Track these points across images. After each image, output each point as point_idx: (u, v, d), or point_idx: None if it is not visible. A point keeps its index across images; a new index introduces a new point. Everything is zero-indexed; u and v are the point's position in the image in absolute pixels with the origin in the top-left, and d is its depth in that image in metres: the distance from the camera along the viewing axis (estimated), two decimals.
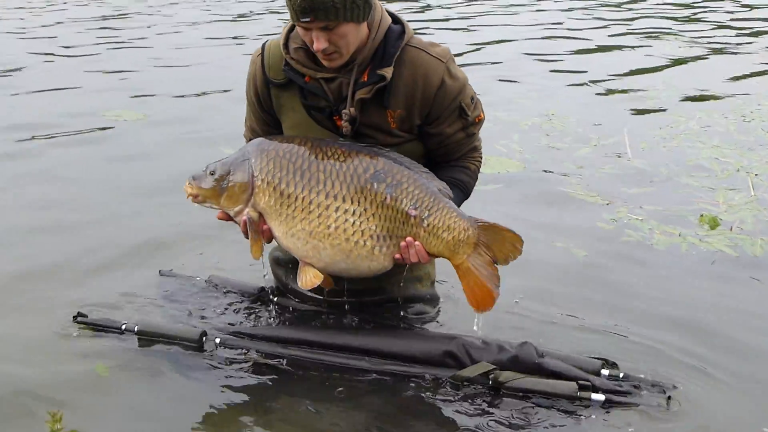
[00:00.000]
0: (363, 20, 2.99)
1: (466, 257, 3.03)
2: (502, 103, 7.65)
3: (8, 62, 9.75)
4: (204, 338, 3.36)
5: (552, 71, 9.26)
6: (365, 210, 2.99)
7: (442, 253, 3.05)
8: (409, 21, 3.25)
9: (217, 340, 3.36)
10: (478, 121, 3.24)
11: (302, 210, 3.00)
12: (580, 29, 11.51)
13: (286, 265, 3.61)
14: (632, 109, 7.59)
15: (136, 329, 3.44)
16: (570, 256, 4.46)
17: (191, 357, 3.34)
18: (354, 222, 2.99)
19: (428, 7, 14.22)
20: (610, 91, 8.30)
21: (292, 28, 3.18)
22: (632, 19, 12.61)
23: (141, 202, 5.22)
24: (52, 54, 10.43)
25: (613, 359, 3.34)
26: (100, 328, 3.51)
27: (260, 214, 3.06)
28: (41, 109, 7.66)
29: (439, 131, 3.18)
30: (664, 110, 7.57)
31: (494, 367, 3.10)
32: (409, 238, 3.00)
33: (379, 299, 3.48)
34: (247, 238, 3.09)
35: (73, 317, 3.57)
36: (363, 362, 3.23)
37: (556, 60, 9.62)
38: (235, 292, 3.78)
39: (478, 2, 13.98)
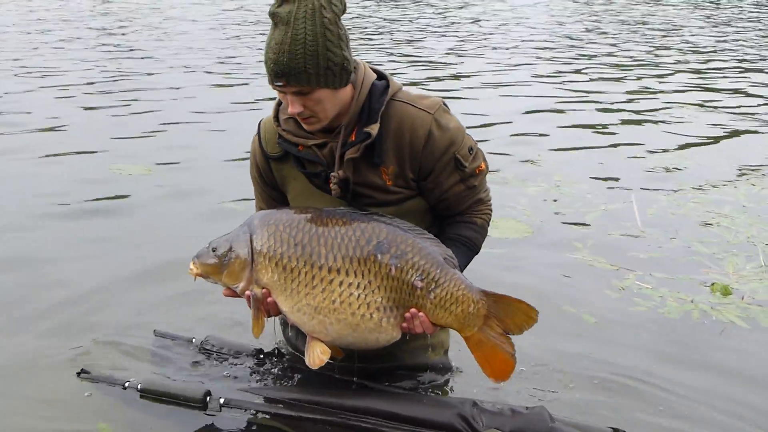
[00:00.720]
0: (340, 86, 2.96)
1: (477, 329, 2.96)
2: (509, 165, 7.67)
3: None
4: (208, 397, 3.31)
5: (561, 134, 9.29)
6: (369, 283, 2.92)
7: (451, 325, 2.98)
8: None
9: (221, 400, 3.30)
10: (479, 173, 3.16)
11: (305, 285, 2.95)
12: (588, 92, 11.57)
13: (297, 328, 3.57)
14: (641, 175, 7.59)
15: (139, 387, 3.39)
16: (580, 322, 4.42)
17: (194, 417, 3.29)
18: (359, 295, 2.93)
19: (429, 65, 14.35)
20: (618, 157, 8.31)
21: (280, 102, 3.20)
22: (638, 92, 12.69)
23: (135, 260, 5.18)
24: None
25: (624, 428, 3.29)
26: (103, 383, 3.48)
27: (264, 289, 3.01)
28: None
29: (435, 185, 3.13)
30: (672, 177, 7.56)
31: None
32: (413, 310, 2.92)
33: (389, 366, 3.45)
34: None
35: (77, 373, 3.55)
36: (370, 424, 3.16)
37: (565, 125, 9.64)
38: (234, 354, 3.71)
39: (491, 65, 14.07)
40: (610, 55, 14.98)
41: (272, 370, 3.57)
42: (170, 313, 4.34)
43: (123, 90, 10.95)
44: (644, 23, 19.83)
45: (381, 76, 3.17)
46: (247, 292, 3.01)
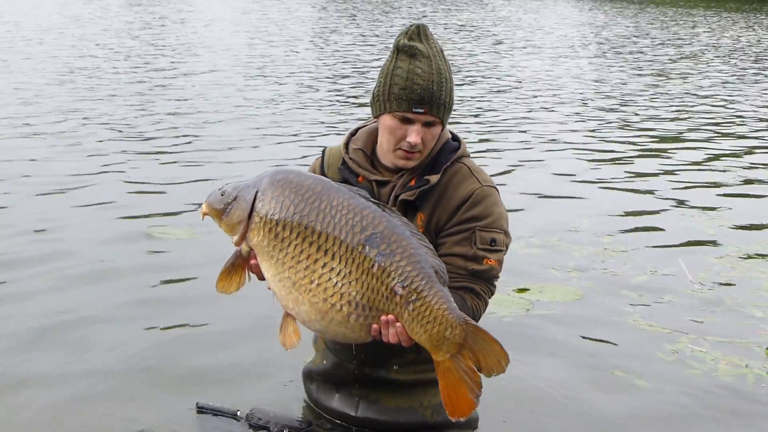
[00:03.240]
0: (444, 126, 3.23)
1: (449, 356, 2.81)
2: (555, 231, 7.69)
3: None
4: None
5: (603, 196, 9.29)
6: (349, 273, 2.81)
7: (423, 343, 2.83)
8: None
9: None
10: (486, 265, 3.17)
11: (292, 257, 2.88)
12: (625, 153, 11.55)
13: (318, 380, 3.69)
14: (688, 241, 7.55)
15: None
16: (632, 388, 4.38)
17: None
18: (336, 283, 2.83)
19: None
20: (664, 218, 8.28)
21: (354, 132, 3.41)
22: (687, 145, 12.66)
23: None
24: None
25: None
26: None
27: (251, 251, 2.99)
28: None
29: (442, 243, 3.20)
30: (721, 240, 7.51)
31: None
32: (390, 316, 2.83)
33: (411, 424, 3.48)
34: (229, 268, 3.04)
35: None
36: None
37: (608, 186, 9.64)
38: (280, 427, 3.67)
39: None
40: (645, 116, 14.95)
41: None
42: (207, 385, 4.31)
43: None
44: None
45: (455, 138, 3.39)
46: (237, 247, 3.04)
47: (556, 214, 8.33)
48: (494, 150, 11.18)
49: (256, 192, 2.99)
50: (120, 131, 11.12)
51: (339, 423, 3.63)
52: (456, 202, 3.21)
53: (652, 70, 18.52)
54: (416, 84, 3.11)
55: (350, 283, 2.82)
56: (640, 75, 18.47)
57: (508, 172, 9.79)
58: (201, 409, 3.86)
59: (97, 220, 7.23)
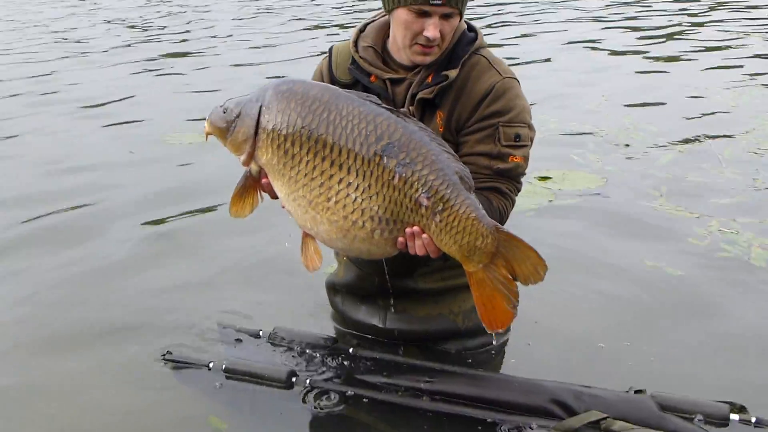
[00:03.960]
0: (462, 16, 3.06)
1: (481, 266, 2.66)
2: (574, 112, 7.51)
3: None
4: (293, 378, 3.28)
5: (625, 71, 9.06)
6: (369, 187, 2.64)
7: (453, 254, 2.69)
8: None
9: (308, 381, 3.26)
10: (511, 162, 3.02)
11: (305, 175, 2.70)
12: (656, 35, 11.26)
13: (342, 292, 3.62)
14: (713, 114, 7.35)
15: (224, 367, 3.39)
16: (664, 277, 4.27)
17: (296, 408, 3.23)
18: (355, 198, 2.66)
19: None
20: (686, 95, 8.08)
21: (363, 29, 3.22)
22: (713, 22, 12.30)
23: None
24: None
25: (740, 401, 3.05)
26: (187, 366, 3.49)
27: (261, 169, 2.82)
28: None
29: (464, 142, 3.06)
30: (747, 115, 7.31)
31: (606, 415, 2.88)
32: (416, 228, 2.68)
33: (441, 331, 3.43)
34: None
35: (162, 356, 3.56)
36: (460, 409, 3.08)
37: (633, 65, 9.38)
38: (306, 345, 3.57)
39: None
40: None
41: (344, 360, 3.45)
42: (225, 303, 4.20)
43: None
44: None
45: (471, 28, 3.20)
46: (246, 166, 2.87)
47: (575, 94, 8.15)
48: (508, 38, 10.92)
49: (260, 106, 2.80)
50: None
51: (367, 336, 3.56)
52: (477, 97, 3.04)
53: None
54: None
55: (371, 197, 2.66)
56: None
57: (522, 57, 9.54)
58: (223, 328, 3.79)
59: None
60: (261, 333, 3.69)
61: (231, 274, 4.51)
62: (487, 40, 3.25)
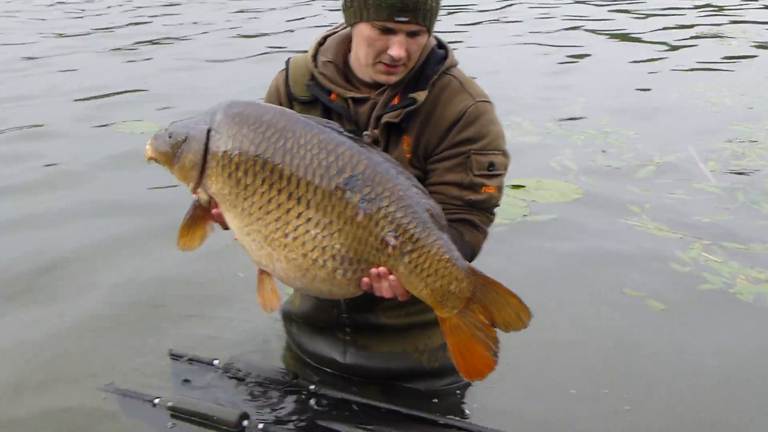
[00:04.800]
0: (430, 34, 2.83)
1: (455, 312, 2.47)
2: (552, 112, 7.26)
3: None
4: (245, 421, 3.00)
5: (602, 72, 8.85)
6: (330, 223, 2.44)
7: (424, 298, 2.49)
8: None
9: (261, 426, 2.98)
10: (484, 193, 2.80)
11: (260, 208, 2.50)
12: (631, 32, 11.07)
13: (299, 322, 3.40)
14: (697, 120, 7.15)
15: (169, 405, 3.10)
16: (646, 310, 4.03)
17: None
18: (315, 235, 2.46)
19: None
20: (668, 99, 7.87)
21: (322, 42, 2.99)
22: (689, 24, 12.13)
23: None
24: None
25: None
26: (130, 398, 3.21)
27: (211, 199, 2.59)
28: None
29: (432, 170, 2.83)
30: (730, 120, 7.12)
31: None
32: (382, 268, 2.48)
33: (405, 370, 3.21)
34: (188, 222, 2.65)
35: (104, 387, 3.29)
36: None
37: (607, 68, 9.15)
38: (264, 380, 3.29)
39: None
40: None
41: (304, 399, 3.20)
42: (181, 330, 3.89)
43: None
44: None
45: (441, 44, 2.97)
46: (194, 195, 2.64)
47: (549, 96, 7.90)
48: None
49: (209, 130, 2.56)
50: None
51: (325, 370, 3.33)
52: (447, 123, 2.81)
53: None
54: None
55: (332, 234, 2.45)
56: None
57: (491, 57, 9.29)
58: (175, 357, 3.48)
59: None
60: (215, 362, 3.40)
61: (184, 297, 4.18)
62: (459, 53, 3.01)
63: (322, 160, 2.46)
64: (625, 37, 10.28)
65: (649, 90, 8.14)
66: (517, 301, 2.46)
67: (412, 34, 2.71)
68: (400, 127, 2.83)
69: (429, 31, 2.76)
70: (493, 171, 2.82)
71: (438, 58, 2.90)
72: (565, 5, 12.84)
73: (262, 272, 2.62)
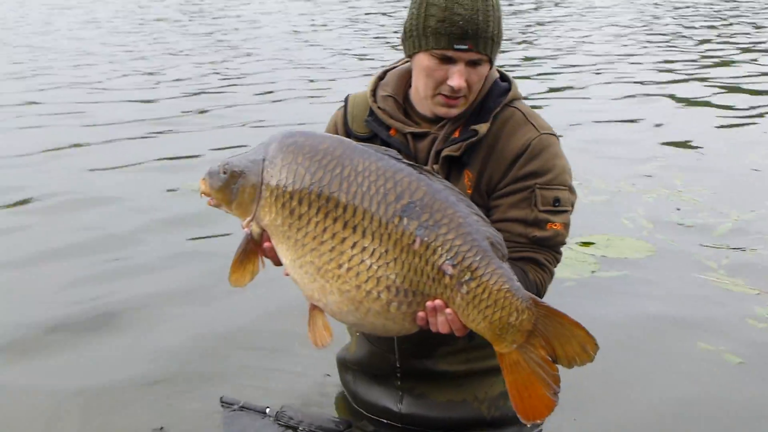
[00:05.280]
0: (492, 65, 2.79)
1: (515, 347, 2.36)
2: (623, 172, 7.14)
3: None
4: None
5: (676, 130, 8.70)
6: (386, 252, 2.36)
7: (482, 332, 2.39)
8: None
9: None
10: (550, 230, 2.71)
11: (313, 238, 2.42)
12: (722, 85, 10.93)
13: (354, 369, 3.31)
14: None
15: None
16: (722, 364, 3.88)
17: None
18: (370, 265, 2.38)
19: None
20: (745, 157, 7.70)
21: (382, 76, 2.95)
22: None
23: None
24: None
25: None
26: None
27: (263, 232, 2.52)
28: None
29: (495, 206, 2.75)
30: None
31: None
32: (438, 301, 2.38)
33: (464, 420, 3.08)
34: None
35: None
36: None
37: (686, 126, 9.01)
38: (314, 428, 3.22)
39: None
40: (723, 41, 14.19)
41: None
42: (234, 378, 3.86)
43: None
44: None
45: (504, 77, 2.92)
46: (246, 229, 2.57)
47: (621, 154, 7.78)
48: (546, 92, 10.61)
49: (263, 160, 2.51)
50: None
51: (381, 420, 3.23)
52: (510, 156, 2.74)
53: None
54: (457, 14, 2.60)
55: (387, 264, 2.36)
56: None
57: (564, 113, 9.23)
58: (226, 405, 3.42)
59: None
60: (268, 410, 3.33)
61: (236, 342, 4.16)
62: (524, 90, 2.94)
63: (379, 187, 2.40)
64: (698, 103, 10.12)
65: (724, 152, 7.97)
66: (584, 332, 2.34)
67: (472, 64, 2.67)
68: (461, 161, 2.77)
69: (491, 61, 2.73)
70: (559, 207, 2.73)
71: (501, 90, 2.85)
72: (642, 71, 12.71)
73: (314, 307, 2.55)
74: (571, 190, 2.79)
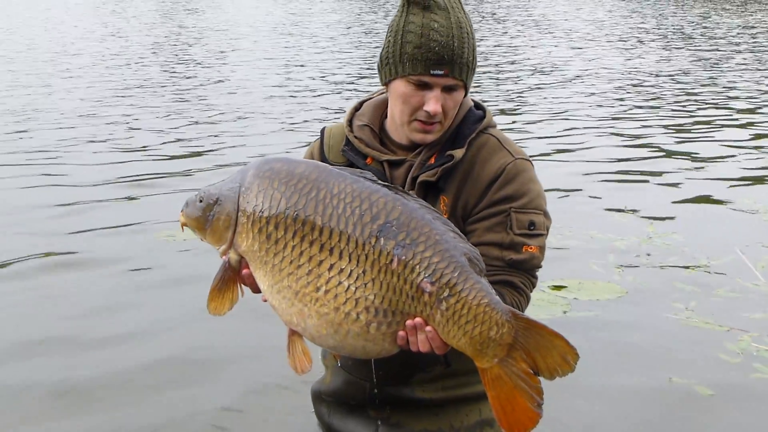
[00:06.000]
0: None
1: (496, 361, 2.39)
2: (592, 215, 7.30)
3: None
4: None
5: (650, 179, 8.89)
6: (363, 273, 2.40)
7: (463, 348, 2.41)
8: None
9: None
10: (526, 253, 2.76)
11: (290, 262, 2.46)
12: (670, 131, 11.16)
13: (329, 401, 3.31)
14: (745, 225, 7.14)
15: None
16: (694, 396, 3.99)
17: None
18: (348, 287, 2.41)
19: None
20: (714, 202, 7.88)
21: (358, 107, 3.04)
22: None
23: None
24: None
25: None
26: None
27: (242, 259, 2.56)
28: None
29: (472, 230, 2.80)
30: None
31: None
32: (418, 319, 2.41)
33: None
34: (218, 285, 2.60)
35: None
36: None
37: (650, 173, 9.22)
38: None
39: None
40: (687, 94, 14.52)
41: None
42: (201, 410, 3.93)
43: None
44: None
45: (479, 106, 3.01)
46: (224, 257, 2.61)
47: (591, 200, 7.94)
48: (521, 129, 10.82)
49: (240, 187, 2.58)
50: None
51: None
52: (485, 181, 2.82)
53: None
54: (433, 41, 2.70)
55: (366, 285, 2.40)
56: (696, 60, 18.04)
57: (538, 156, 9.39)
58: None
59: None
60: None
61: (206, 375, 4.22)
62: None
63: (355, 208, 2.44)
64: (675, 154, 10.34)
65: (692, 199, 8.16)
66: (564, 342, 2.37)
67: (448, 90, 2.75)
68: (437, 187, 2.84)
69: (466, 87, 2.81)
70: (534, 230, 2.79)
71: (475, 117, 2.93)
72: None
73: (293, 333, 2.58)
74: (546, 215, 2.86)
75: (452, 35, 2.71)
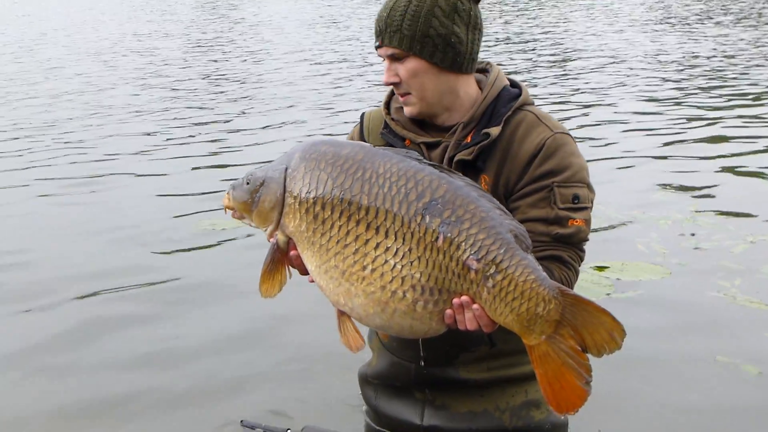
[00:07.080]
0: (442, 64, 2.81)
1: (544, 338, 2.39)
2: (633, 199, 7.33)
3: None
4: None
5: (690, 158, 8.89)
6: (409, 251, 2.42)
7: (510, 325, 2.41)
8: None
9: None
10: (571, 227, 2.77)
11: (337, 242, 2.50)
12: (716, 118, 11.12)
13: (375, 384, 3.35)
14: None
15: None
16: (741, 375, 4.05)
17: None
18: (394, 265, 2.44)
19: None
20: (760, 176, 7.89)
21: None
22: None
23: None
24: None
25: None
26: None
27: (289, 240, 2.61)
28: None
29: (515, 207, 2.81)
30: None
31: None
32: (464, 297, 2.43)
33: (483, 430, 3.11)
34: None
35: None
36: None
37: (695, 152, 9.21)
38: None
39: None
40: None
41: None
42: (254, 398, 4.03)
43: None
44: None
45: (515, 84, 3.02)
46: (272, 240, 2.65)
47: (635, 182, 7.97)
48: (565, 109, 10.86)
49: (286, 169, 2.64)
50: None
51: None
52: (526, 157, 2.81)
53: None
54: (379, 15, 2.83)
55: (412, 263, 2.44)
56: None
57: (579, 137, 9.40)
58: (247, 427, 3.52)
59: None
60: (289, 431, 3.44)
61: (256, 363, 4.34)
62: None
63: (401, 187, 2.49)
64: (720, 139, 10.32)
65: (738, 175, 8.17)
66: (610, 318, 2.36)
67: (395, 59, 2.82)
68: (476, 167, 2.86)
69: (420, 55, 2.81)
70: (579, 204, 2.80)
71: (511, 95, 2.94)
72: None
73: (342, 313, 2.64)
74: (590, 187, 2.86)
75: (391, 7, 2.81)
